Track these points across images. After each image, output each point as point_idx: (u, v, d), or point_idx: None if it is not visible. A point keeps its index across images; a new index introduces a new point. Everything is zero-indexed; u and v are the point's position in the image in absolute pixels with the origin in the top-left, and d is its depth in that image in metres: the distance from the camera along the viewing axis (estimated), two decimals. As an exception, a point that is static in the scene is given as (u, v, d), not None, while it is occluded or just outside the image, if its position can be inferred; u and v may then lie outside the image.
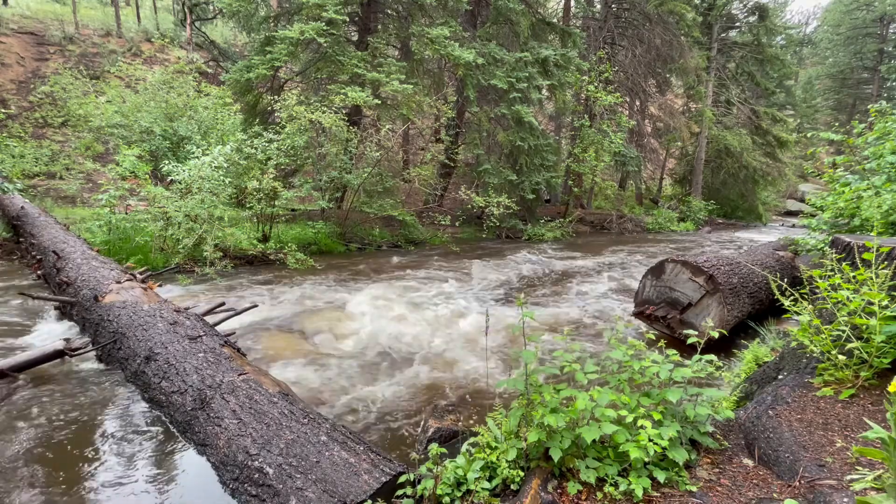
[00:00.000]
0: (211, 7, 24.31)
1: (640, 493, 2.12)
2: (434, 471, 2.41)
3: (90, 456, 3.10)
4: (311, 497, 2.33)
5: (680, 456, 2.27)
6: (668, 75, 21.60)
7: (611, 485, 2.22)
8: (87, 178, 13.78)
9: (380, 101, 11.46)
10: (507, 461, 2.44)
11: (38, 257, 6.98)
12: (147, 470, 2.98)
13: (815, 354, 2.92)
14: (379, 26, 13.42)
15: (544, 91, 15.62)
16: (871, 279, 2.69)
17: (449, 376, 4.74)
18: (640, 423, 2.33)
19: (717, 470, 2.36)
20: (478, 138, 14.96)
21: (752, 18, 22.81)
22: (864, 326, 2.66)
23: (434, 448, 2.49)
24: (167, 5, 27.43)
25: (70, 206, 11.73)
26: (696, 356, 2.66)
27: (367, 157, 11.35)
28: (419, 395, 4.34)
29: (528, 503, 2.17)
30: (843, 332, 2.72)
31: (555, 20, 18.56)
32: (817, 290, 3.01)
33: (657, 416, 2.36)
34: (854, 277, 2.80)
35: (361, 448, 2.65)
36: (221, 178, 8.63)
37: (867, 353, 2.69)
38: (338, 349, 5.31)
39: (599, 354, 2.90)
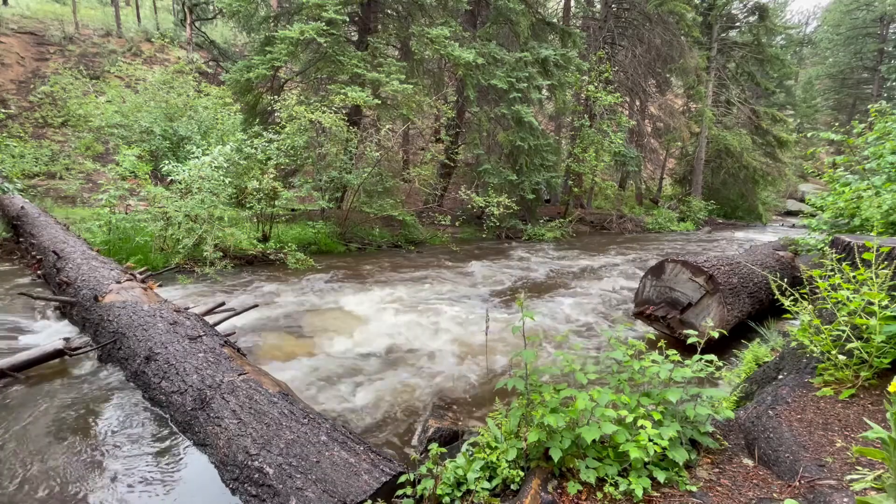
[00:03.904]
0: (211, 7, 24.30)
1: (640, 493, 2.12)
2: (434, 471, 2.41)
3: (89, 455, 3.10)
4: (311, 497, 2.33)
5: (680, 456, 2.27)
6: (668, 75, 21.62)
7: (611, 485, 2.22)
8: (87, 178, 13.75)
9: (380, 101, 11.46)
10: (507, 461, 2.44)
11: (38, 257, 6.98)
12: (147, 469, 2.97)
13: (815, 354, 2.92)
14: (379, 26, 13.42)
15: (544, 91, 15.61)
16: (871, 279, 2.69)
17: (449, 376, 4.74)
18: (640, 423, 2.32)
19: (717, 470, 2.35)
20: (478, 138, 14.96)
21: (752, 18, 22.85)
22: (864, 326, 2.66)
23: (434, 448, 2.49)
24: (167, 5, 27.43)
25: (70, 206, 11.71)
26: (696, 356, 2.66)
27: (367, 157, 11.35)
28: (419, 394, 4.33)
29: (528, 503, 2.17)
30: (843, 332, 2.72)
31: (555, 20, 18.57)
32: (817, 290, 3.01)
33: (657, 416, 2.36)
34: (854, 277, 2.80)
35: (361, 448, 2.65)
36: (221, 178, 8.63)
37: (867, 353, 2.68)
38: (337, 349, 5.31)
39: (599, 354, 2.90)
